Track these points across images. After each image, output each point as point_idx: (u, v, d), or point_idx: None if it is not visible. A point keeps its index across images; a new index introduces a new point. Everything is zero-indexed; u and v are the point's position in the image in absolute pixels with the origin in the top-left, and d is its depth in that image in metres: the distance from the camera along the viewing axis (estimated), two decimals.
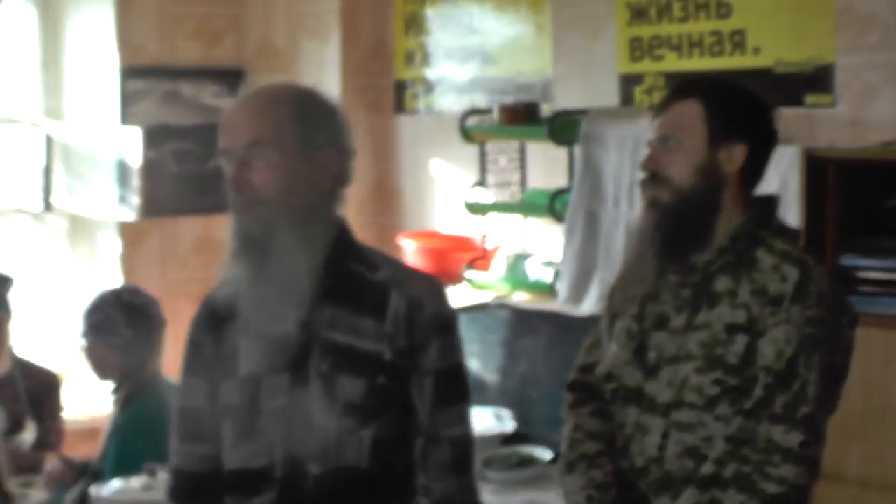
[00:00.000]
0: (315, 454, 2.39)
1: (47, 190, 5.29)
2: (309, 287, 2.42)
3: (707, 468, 2.48)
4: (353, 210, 2.96)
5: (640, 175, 2.64)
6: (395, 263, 2.57)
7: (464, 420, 2.41)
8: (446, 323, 2.44)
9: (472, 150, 4.82)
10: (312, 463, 2.39)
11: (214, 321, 2.52)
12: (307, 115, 2.46)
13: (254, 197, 2.39)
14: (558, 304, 4.34)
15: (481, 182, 4.73)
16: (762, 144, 2.63)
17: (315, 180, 2.44)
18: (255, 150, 2.38)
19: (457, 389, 2.42)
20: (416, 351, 2.39)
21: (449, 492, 2.42)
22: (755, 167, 2.63)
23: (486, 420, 4.30)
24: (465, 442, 2.42)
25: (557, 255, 4.38)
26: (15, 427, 4.15)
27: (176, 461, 2.55)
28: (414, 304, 2.41)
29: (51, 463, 4.06)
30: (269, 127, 2.40)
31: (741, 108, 2.64)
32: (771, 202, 2.72)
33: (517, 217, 4.70)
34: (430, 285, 2.51)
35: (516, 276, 4.57)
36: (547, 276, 4.43)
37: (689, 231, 2.57)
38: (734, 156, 2.57)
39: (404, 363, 2.39)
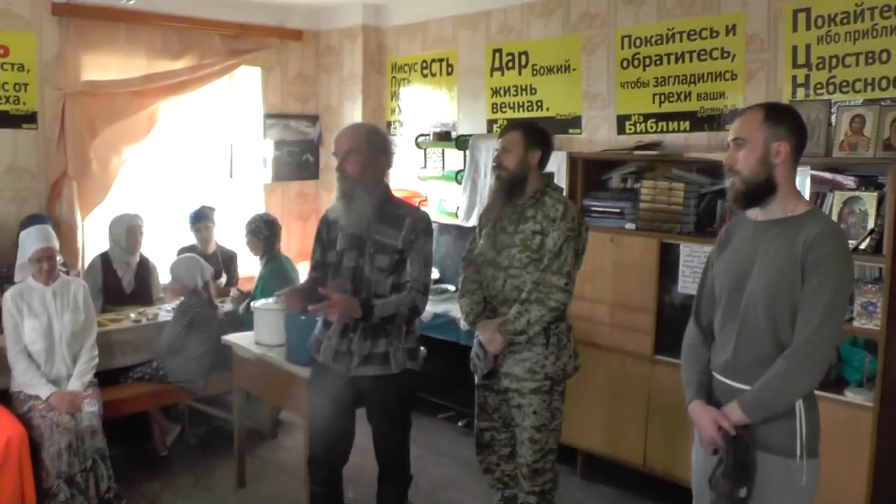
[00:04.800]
0: (364, 288, 2.44)
1: (231, 168, 5.21)
2: (369, 215, 2.42)
3: (524, 295, 2.52)
4: None
5: (493, 164, 2.66)
6: (408, 205, 2.54)
7: (429, 275, 2.47)
8: (428, 231, 2.47)
9: (420, 152, 4.92)
10: (363, 292, 2.44)
11: (327, 223, 2.55)
12: (373, 138, 2.44)
13: (347, 176, 2.40)
14: (459, 221, 4.49)
15: (424, 166, 4.85)
16: (547, 150, 2.63)
17: (376, 168, 2.43)
18: (349, 154, 2.40)
19: (428, 262, 2.47)
20: (413, 243, 2.43)
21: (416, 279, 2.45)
22: (544, 160, 2.63)
23: None
24: (428, 282, 2.48)
25: (458, 199, 4.52)
26: (216, 275, 4.24)
27: (309, 279, 2.60)
28: (415, 222, 2.43)
29: (233, 292, 4.28)
30: (356, 143, 2.41)
31: (538, 134, 2.63)
32: (551, 175, 2.80)
33: (440, 182, 4.76)
34: (423, 214, 2.50)
35: (441, 208, 4.72)
36: (454, 209, 4.60)
37: (514, 190, 2.61)
38: (535, 156, 2.59)
39: (407, 248, 2.43)
